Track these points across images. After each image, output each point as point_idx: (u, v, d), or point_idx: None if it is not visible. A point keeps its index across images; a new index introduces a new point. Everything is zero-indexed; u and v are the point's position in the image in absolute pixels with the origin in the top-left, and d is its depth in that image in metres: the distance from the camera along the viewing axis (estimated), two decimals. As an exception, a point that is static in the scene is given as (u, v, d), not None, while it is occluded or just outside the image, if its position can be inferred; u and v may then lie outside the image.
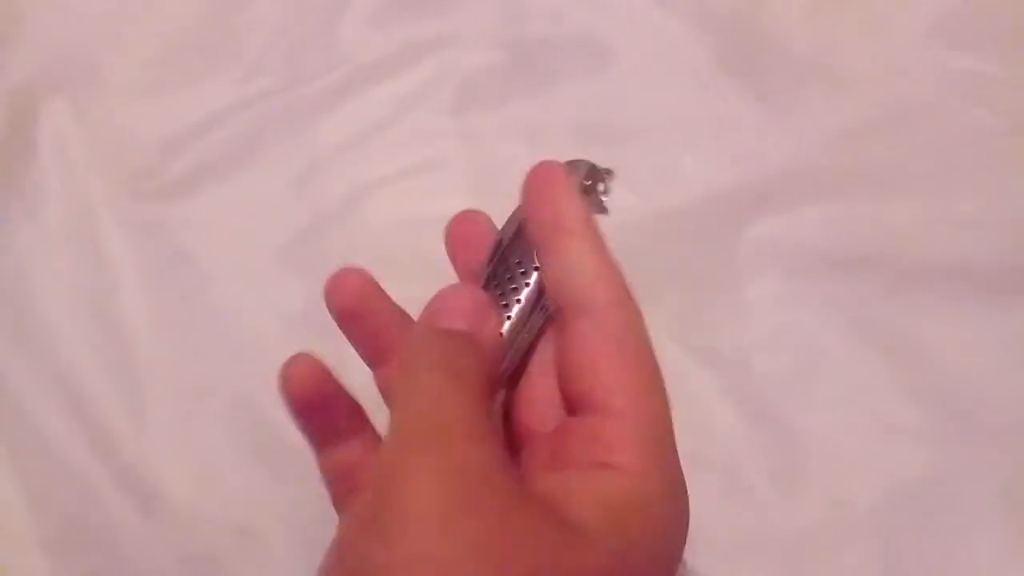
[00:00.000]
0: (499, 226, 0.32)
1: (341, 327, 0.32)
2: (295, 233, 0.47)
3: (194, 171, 0.48)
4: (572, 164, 0.31)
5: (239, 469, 0.42)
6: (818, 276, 0.43)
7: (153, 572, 0.40)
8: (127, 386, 0.43)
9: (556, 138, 0.48)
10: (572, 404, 0.27)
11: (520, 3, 0.52)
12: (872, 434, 0.40)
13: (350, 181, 0.48)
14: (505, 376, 0.29)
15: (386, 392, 0.31)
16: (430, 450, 0.23)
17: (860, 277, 0.43)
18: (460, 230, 0.32)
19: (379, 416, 0.31)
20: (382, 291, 0.32)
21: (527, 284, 0.29)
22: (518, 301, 0.29)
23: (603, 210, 0.31)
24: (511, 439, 0.29)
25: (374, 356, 0.32)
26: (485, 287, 0.30)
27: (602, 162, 0.30)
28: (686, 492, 0.26)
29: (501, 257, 0.30)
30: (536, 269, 0.29)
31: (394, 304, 0.32)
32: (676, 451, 0.26)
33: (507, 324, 0.29)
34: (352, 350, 0.43)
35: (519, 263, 0.30)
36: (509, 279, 0.30)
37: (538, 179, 0.29)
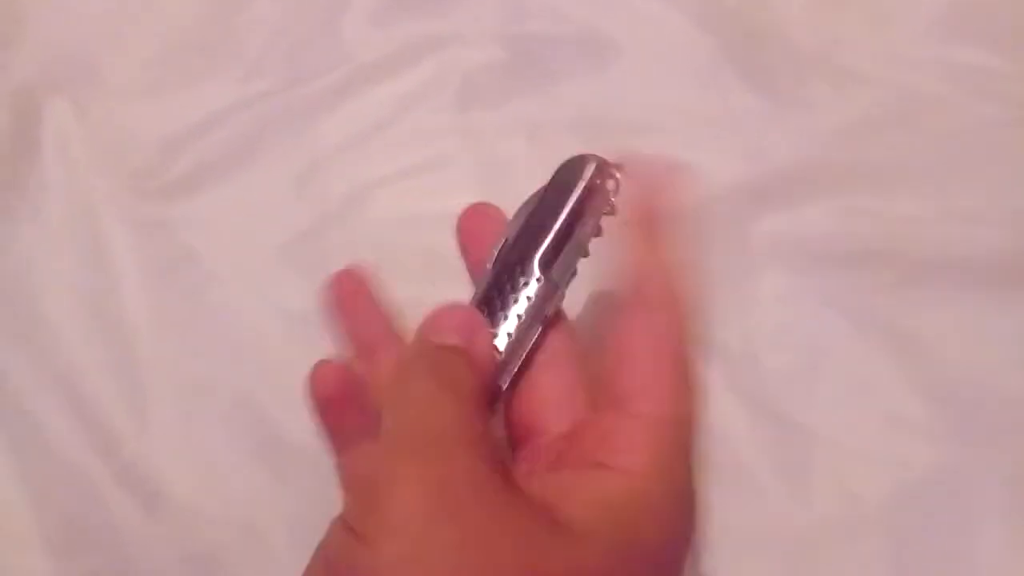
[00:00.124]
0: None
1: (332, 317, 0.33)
2: (296, 232, 0.47)
3: (195, 170, 0.48)
4: (582, 160, 0.31)
5: (240, 468, 0.42)
6: (823, 271, 0.43)
7: (154, 571, 0.40)
8: (128, 385, 0.43)
9: (558, 136, 0.48)
10: (606, 395, 0.27)
11: (521, 1, 0.52)
12: (878, 429, 0.40)
13: (351, 180, 0.48)
14: (505, 385, 0.29)
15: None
16: (417, 456, 0.23)
17: (865, 272, 0.43)
18: (471, 224, 0.32)
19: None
20: (371, 293, 0.33)
21: (528, 297, 0.29)
22: (518, 315, 0.29)
23: (612, 210, 0.31)
24: (511, 438, 0.29)
25: (359, 348, 0.32)
26: (488, 292, 0.30)
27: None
28: (693, 499, 0.26)
29: (504, 264, 0.30)
30: (538, 280, 0.29)
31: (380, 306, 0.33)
32: (688, 457, 0.26)
33: (506, 338, 0.29)
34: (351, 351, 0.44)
35: (521, 271, 0.29)
36: (511, 287, 0.30)
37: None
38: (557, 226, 0.30)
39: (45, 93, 0.50)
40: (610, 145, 0.48)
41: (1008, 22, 0.48)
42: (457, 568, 0.21)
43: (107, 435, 0.42)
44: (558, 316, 0.30)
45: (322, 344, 0.44)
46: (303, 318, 0.44)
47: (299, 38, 0.52)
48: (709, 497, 0.38)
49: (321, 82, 0.50)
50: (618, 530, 0.24)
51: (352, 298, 0.32)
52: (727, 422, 0.40)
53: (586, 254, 0.30)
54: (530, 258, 0.30)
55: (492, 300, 0.30)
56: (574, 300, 0.32)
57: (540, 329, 0.29)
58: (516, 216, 0.31)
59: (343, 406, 0.30)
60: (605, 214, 0.30)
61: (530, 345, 0.29)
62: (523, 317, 0.29)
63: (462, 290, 0.31)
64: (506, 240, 0.31)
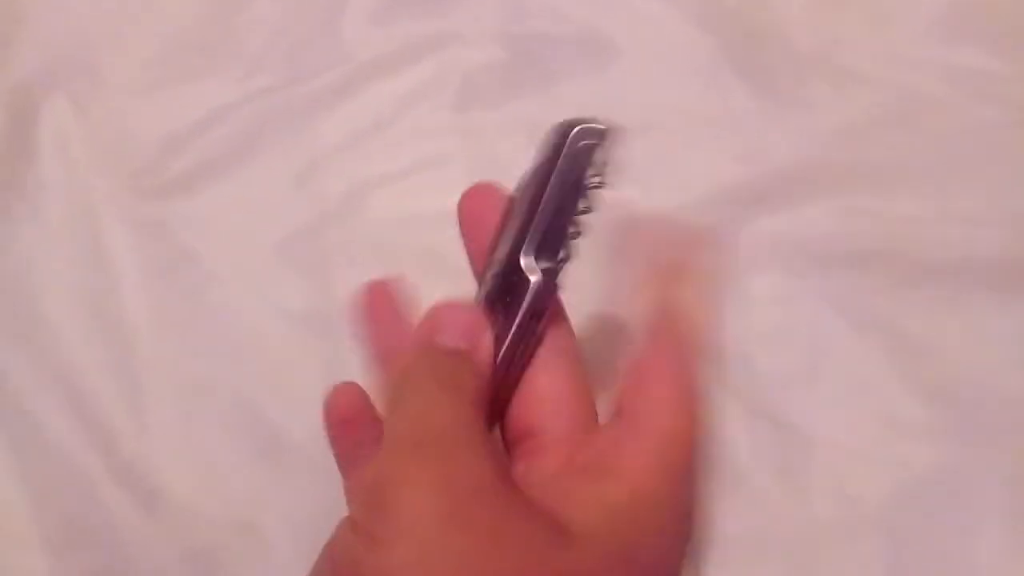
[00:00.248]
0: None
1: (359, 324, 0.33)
2: (296, 231, 0.47)
3: (195, 169, 0.48)
4: (571, 130, 0.30)
5: (240, 467, 0.42)
6: (821, 272, 0.43)
7: (154, 570, 0.40)
8: (128, 385, 0.43)
9: (558, 136, 0.48)
10: (617, 406, 0.28)
11: (521, 1, 0.52)
12: (877, 430, 0.40)
13: (351, 179, 0.48)
14: (506, 389, 0.29)
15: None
16: (423, 459, 0.24)
17: (864, 273, 0.43)
18: (473, 208, 0.32)
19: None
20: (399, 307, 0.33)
21: (527, 291, 0.29)
22: (518, 312, 0.29)
23: (602, 183, 0.30)
24: (506, 436, 0.29)
25: (381, 358, 0.32)
26: (489, 292, 0.30)
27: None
28: (692, 508, 0.26)
29: (503, 258, 0.30)
30: (536, 271, 0.29)
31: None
32: (689, 469, 0.26)
33: (504, 345, 0.28)
34: (352, 350, 0.44)
35: (518, 266, 0.29)
36: (509, 282, 0.29)
37: None
38: (549, 215, 0.29)
39: (44, 92, 0.50)
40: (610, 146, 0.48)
41: (1008, 23, 0.48)
42: (466, 570, 0.22)
43: (107, 434, 0.42)
44: (558, 313, 0.30)
45: (322, 342, 0.44)
46: (303, 318, 0.45)
47: (299, 37, 0.52)
48: (708, 499, 0.38)
49: (321, 81, 0.50)
50: (620, 536, 0.24)
51: (381, 309, 0.32)
52: (726, 423, 0.40)
53: (580, 235, 0.30)
54: (527, 251, 0.29)
55: (493, 300, 0.29)
56: (576, 314, 0.31)
57: (542, 322, 0.29)
58: (512, 203, 0.31)
59: (356, 428, 0.30)
60: (595, 188, 0.30)
61: (532, 340, 0.29)
62: (523, 312, 0.29)
63: (462, 290, 0.31)
64: (502, 234, 0.30)
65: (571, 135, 0.30)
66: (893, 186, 0.45)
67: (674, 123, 0.47)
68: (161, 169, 0.48)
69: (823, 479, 0.39)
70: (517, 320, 0.28)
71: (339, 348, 0.43)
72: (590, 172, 0.29)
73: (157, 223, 0.47)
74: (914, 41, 0.48)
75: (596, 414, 0.29)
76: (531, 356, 0.29)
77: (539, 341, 0.29)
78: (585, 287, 0.35)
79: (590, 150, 0.30)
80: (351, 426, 0.30)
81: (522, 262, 0.29)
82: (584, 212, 0.30)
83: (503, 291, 0.29)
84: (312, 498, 0.40)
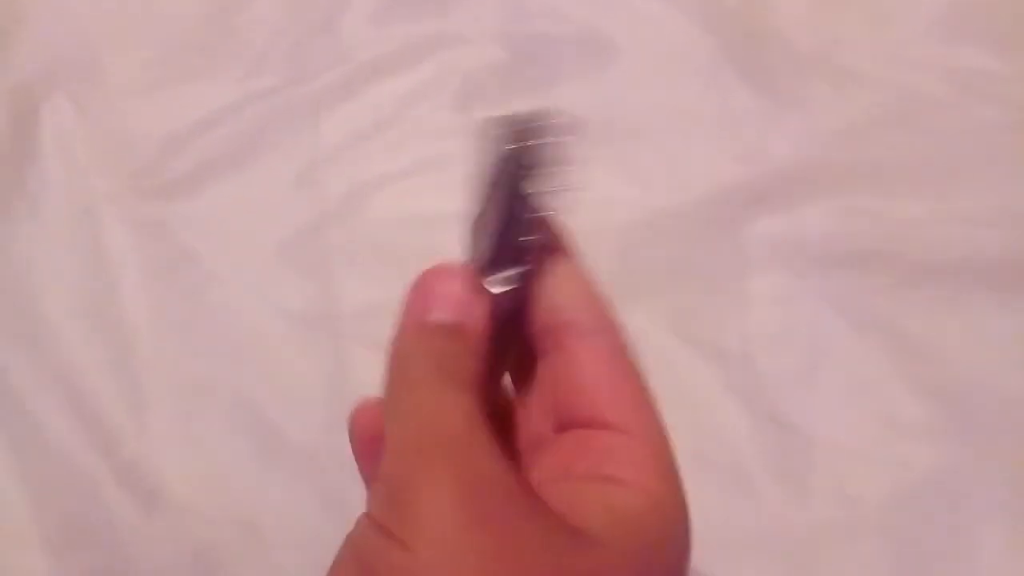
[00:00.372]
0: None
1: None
2: (296, 231, 0.47)
3: (195, 169, 0.48)
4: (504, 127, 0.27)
5: (240, 467, 0.42)
6: (822, 272, 0.43)
7: (153, 569, 0.40)
8: (128, 385, 0.43)
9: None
10: (570, 422, 0.27)
11: (521, 1, 0.52)
12: (878, 431, 0.40)
13: (351, 179, 0.48)
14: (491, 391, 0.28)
15: None
16: (441, 458, 0.23)
17: (864, 273, 0.43)
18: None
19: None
20: None
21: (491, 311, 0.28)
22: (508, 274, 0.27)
23: (556, 184, 0.27)
24: (517, 442, 0.29)
25: None
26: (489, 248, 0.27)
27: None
28: (688, 508, 0.26)
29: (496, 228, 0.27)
30: (500, 287, 0.27)
31: None
32: (678, 468, 0.26)
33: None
34: (352, 350, 0.44)
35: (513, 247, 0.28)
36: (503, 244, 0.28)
37: None
38: (503, 225, 0.27)
39: (45, 92, 0.50)
40: (611, 144, 0.48)
41: (1008, 24, 0.48)
42: (490, 571, 0.22)
43: (107, 434, 0.42)
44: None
45: (322, 342, 0.44)
46: (303, 318, 0.45)
47: (299, 38, 0.52)
48: (708, 499, 0.38)
49: (321, 81, 0.50)
50: (636, 540, 0.24)
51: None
52: (726, 424, 0.40)
53: (540, 236, 0.27)
54: (485, 269, 0.28)
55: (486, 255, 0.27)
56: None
57: (518, 326, 0.28)
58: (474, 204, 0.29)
59: (382, 444, 0.30)
60: (549, 189, 0.27)
61: (512, 344, 0.28)
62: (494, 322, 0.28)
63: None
64: (473, 234, 0.29)
65: (521, 132, 0.27)
66: (893, 186, 0.45)
67: (674, 123, 0.47)
68: (161, 169, 0.48)
69: (823, 479, 0.39)
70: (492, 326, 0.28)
71: (339, 348, 0.43)
72: (546, 170, 0.27)
73: (157, 223, 0.47)
74: (914, 41, 0.48)
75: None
76: (514, 359, 0.29)
77: (521, 342, 0.29)
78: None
79: (543, 148, 0.27)
80: (377, 442, 0.30)
81: (483, 280, 0.28)
82: (539, 215, 0.27)
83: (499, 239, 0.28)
84: (312, 498, 0.40)
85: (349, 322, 0.44)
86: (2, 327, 0.45)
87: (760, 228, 0.44)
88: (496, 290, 0.27)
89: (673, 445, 0.26)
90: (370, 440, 0.29)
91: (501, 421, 0.29)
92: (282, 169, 0.48)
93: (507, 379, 0.30)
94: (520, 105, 0.50)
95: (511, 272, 0.27)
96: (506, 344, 0.28)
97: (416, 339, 0.26)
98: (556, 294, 0.27)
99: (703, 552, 0.37)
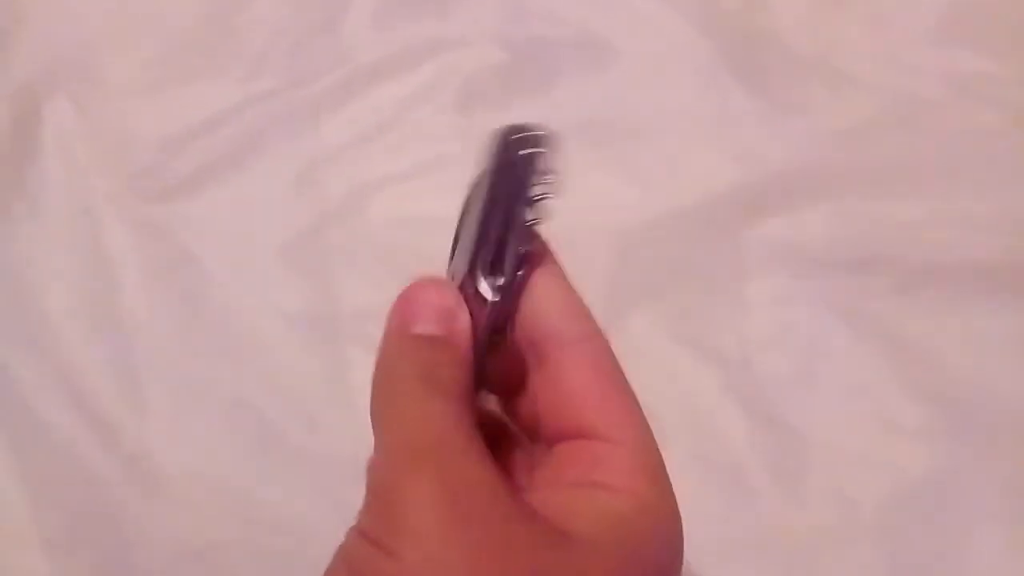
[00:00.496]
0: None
1: None
2: (297, 233, 0.47)
3: (195, 171, 0.48)
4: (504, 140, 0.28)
5: (239, 466, 0.42)
6: (821, 275, 0.43)
7: (154, 568, 0.40)
8: (128, 385, 0.43)
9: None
10: (559, 433, 0.27)
11: (521, 3, 0.52)
12: (875, 433, 0.40)
13: (352, 181, 0.48)
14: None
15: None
16: (426, 465, 0.24)
17: (863, 276, 0.43)
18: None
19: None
20: None
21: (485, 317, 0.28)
22: (476, 342, 0.27)
23: (546, 193, 0.27)
24: (506, 453, 0.29)
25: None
26: (468, 269, 0.28)
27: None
28: (678, 511, 0.26)
29: (461, 282, 0.27)
30: (493, 294, 0.27)
31: None
32: (667, 473, 0.26)
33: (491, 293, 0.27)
34: (351, 352, 0.44)
35: (474, 294, 0.27)
36: (466, 297, 0.28)
37: None
38: (497, 232, 0.27)
39: (46, 93, 0.50)
40: (610, 146, 0.48)
41: (1006, 27, 0.48)
42: (478, 573, 0.22)
43: (107, 434, 0.42)
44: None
45: (322, 344, 0.44)
46: (303, 319, 0.45)
47: (299, 38, 0.52)
48: (706, 500, 0.38)
49: (321, 83, 0.50)
50: (624, 541, 0.24)
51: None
52: (724, 426, 0.40)
53: (531, 245, 0.27)
54: (478, 272, 0.28)
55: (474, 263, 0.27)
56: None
57: (507, 334, 0.28)
58: (464, 213, 0.29)
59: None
60: (540, 198, 0.27)
61: (500, 351, 0.28)
62: (484, 329, 0.28)
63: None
64: (457, 244, 0.29)
65: (510, 144, 0.28)
66: (891, 189, 0.45)
67: (673, 125, 0.48)
68: (162, 170, 0.48)
69: (821, 481, 0.39)
70: (478, 337, 0.28)
71: (339, 349, 0.43)
72: (533, 182, 0.27)
73: (157, 224, 0.47)
74: (912, 44, 0.48)
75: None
76: (502, 368, 0.29)
77: (508, 352, 0.29)
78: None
79: (531, 159, 0.28)
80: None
81: (477, 284, 0.28)
82: (532, 223, 0.28)
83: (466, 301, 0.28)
84: (312, 498, 0.40)
85: (349, 323, 0.44)
86: (2, 327, 0.45)
87: (759, 230, 0.44)
88: (481, 300, 0.27)
89: (661, 451, 0.26)
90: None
91: (490, 431, 0.29)
92: (282, 170, 0.48)
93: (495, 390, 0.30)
94: (520, 106, 0.50)
95: (496, 282, 0.27)
96: (492, 354, 0.28)
97: (401, 349, 0.27)
98: (540, 304, 0.27)
99: (701, 553, 0.37)
